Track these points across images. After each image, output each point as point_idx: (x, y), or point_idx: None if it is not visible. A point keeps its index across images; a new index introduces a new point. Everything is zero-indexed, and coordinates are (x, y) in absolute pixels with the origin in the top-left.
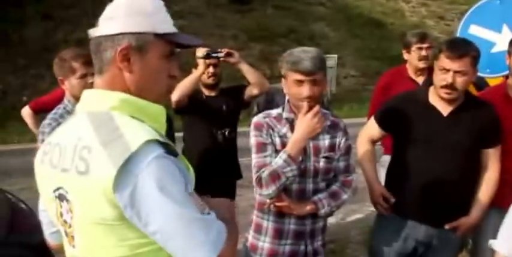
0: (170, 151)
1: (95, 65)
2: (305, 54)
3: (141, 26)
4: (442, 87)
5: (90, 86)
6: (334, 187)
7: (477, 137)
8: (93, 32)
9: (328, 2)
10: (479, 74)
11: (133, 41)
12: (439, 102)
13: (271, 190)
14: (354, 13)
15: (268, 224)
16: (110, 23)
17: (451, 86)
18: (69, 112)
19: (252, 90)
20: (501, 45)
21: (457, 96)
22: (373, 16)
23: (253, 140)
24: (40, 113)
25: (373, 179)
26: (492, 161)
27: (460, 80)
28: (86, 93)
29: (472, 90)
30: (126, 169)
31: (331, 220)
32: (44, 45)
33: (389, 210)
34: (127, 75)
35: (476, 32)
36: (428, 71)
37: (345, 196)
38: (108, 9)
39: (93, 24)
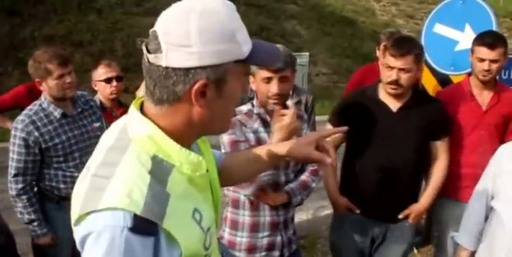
0: (140, 229)
1: (151, 93)
2: None
3: (222, 56)
4: (388, 83)
5: (68, 85)
6: (303, 177)
7: (426, 131)
8: (154, 59)
9: (300, 0)
10: (443, 71)
11: (211, 74)
12: (388, 99)
13: (247, 191)
14: (326, 11)
15: (244, 219)
16: (181, 53)
17: (396, 83)
18: (45, 109)
19: None
20: (464, 44)
21: (403, 92)
22: (345, 14)
23: (225, 139)
24: (1, 112)
25: (335, 194)
26: (441, 152)
27: (404, 77)
28: (133, 108)
29: (437, 86)
30: (85, 218)
31: (301, 216)
32: (10, 42)
33: (345, 210)
34: (197, 109)
35: (441, 30)
36: None
37: (313, 185)
38: (176, 30)
39: (62, 20)
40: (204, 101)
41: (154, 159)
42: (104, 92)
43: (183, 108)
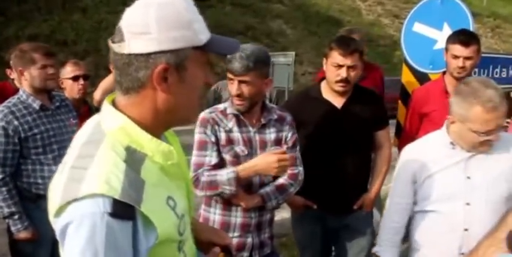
0: (120, 214)
1: (119, 83)
2: (239, 53)
3: (179, 42)
4: (337, 82)
5: (51, 76)
6: (281, 180)
7: (370, 123)
8: (118, 48)
9: None
10: (422, 70)
11: (171, 59)
12: (332, 96)
13: (203, 193)
14: (312, 11)
15: (215, 218)
16: (141, 40)
17: (345, 80)
18: (23, 102)
19: None
20: (442, 43)
21: (350, 88)
22: (331, 14)
23: (196, 137)
24: None
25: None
26: (384, 141)
27: (353, 74)
28: (106, 103)
29: (415, 84)
30: (66, 208)
31: (283, 215)
32: None
33: (303, 208)
34: (161, 95)
35: (420, 29)
36: (364, 66)
37: (291, 189)
38: (136, 21)
39: (46, 19)
40: (166, 86)
41: (128, 149)
42: (71, 90)
43: (148, 95)
